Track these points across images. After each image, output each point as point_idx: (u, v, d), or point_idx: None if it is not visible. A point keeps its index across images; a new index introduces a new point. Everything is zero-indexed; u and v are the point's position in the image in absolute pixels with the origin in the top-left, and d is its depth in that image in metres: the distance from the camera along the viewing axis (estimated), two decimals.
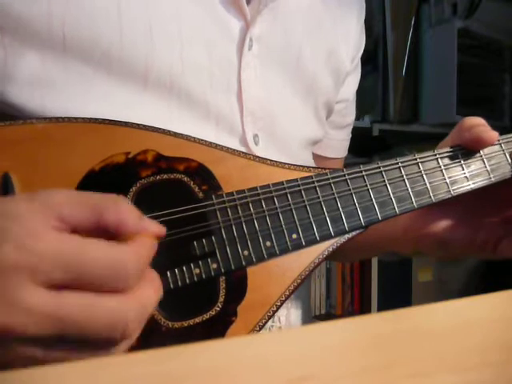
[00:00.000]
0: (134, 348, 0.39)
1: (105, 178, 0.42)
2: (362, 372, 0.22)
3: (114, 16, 0.46)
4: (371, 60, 1.58)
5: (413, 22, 1.59)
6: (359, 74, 0.73)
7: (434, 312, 0.28)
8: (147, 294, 0.31)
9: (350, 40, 0.67)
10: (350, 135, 0.78)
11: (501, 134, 0.53)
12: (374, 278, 1.60)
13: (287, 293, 0.44)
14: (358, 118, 1.55)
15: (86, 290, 0.29)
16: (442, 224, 0.53)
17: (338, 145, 0.75)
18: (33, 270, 0.28)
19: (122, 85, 0.47)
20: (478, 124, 0.50)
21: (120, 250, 0.30)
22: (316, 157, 0.70)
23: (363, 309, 1.66)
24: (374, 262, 1.60)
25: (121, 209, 0.31)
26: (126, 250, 0.30)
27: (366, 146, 1.53)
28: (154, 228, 0.33)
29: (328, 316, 1.64)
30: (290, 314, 0.62)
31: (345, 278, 1.66)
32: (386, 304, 1.60)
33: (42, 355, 0.29)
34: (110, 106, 0.46)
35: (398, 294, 1.64)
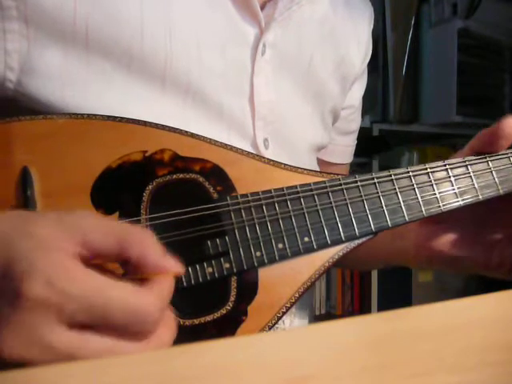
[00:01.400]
0: None
1: (122, 175, 0.42)
2: (362, 372, 0.22)
3: (136, 17, 0.47)
4: (371, 60, 1.58)
5: (413, 22, 1.59)
6: (366, 80, 0.74)
7: (433, 312, 0.28)
8: (165, 337, 0.32)
9: (361, 46, 0.68)
10: (356, 141, 0.78)
11: None
12: (373, 278, 1.60)
13: (297, 295, 0.45)
14: None
15: (107, 331, 0.30)
16: (454, 242, 0.53)
17: (343, 150, 0.76)
18: (59, 309, 0.29)
19: (140, 82, 0.48)
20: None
21: (143, 296, 0.30)
22: (321, 162, 0.71)
23: (363, 309, 1.66)
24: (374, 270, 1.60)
25: (145, 245, 0.32)
26: (148, 296, 0.31)
27: (366, 146, 1.54)
28: (174, 268, 0.33)
29: (328, 316, 1.64)
30: (294, 315, 0.62)
31: (345, 278, 1.67)
32: (386, 304, 1.60)
33: None
34: (127, 102, 0.47)
35: (398, 294, 1.65)
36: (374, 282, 1.60)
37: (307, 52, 0.59)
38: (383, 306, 1.60)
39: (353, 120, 0.75)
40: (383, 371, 0.22)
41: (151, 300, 0.31)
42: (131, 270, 0.32)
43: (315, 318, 1.60)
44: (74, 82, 0.46)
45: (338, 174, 0.48)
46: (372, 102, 1.58)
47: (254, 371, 0.22)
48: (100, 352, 0.29)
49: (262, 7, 0.55)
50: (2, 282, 0.29)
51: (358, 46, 0.67)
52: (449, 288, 1.72)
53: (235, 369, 0.22)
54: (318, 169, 0.66)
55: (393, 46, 1.57)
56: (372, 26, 0.71)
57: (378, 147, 1.61)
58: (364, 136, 1.57)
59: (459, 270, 0.55)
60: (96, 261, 0.31)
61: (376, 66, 1.59)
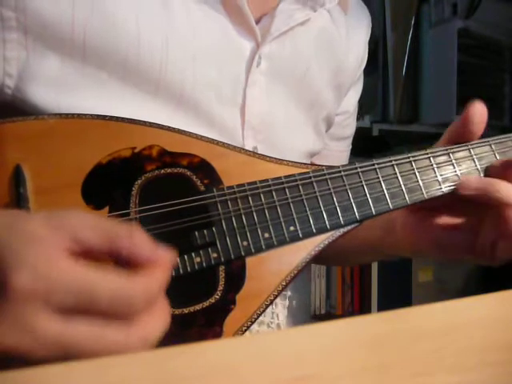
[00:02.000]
0: None
1: (112, 171, 0.44)
2: (362, 372, 0.22)
3: (133, 27, 0.48)
4: (371, 60, 1.57)
5: (413, 22, 1.59)
6: (361, 87, 0.75)
7: (433, 312, 0.28)
8: (152, 326, 0.32)
9: (358, 55, 0.68)
10: (350, 146, 0.78)
11: (501, 134, 0.53)
12: (373, 278, 1.60)
13: (284, 283, 0.46)
14: (357, 118, 1.56)
15: (94, 316, 0.30)
16: (441, 228, 0.53)
17: (337, 156, 0.76)
18: (46, 297, 0.29)
19: (134, 90, 0.49)
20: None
21: (129, 282, 0.31)
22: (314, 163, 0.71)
23: (363, 309, 1.66)
24: (374, 262, 1.60)
25: (134, 238, 0.32)
26: (134, 282, 0.31)
27: (366, 146, 1.54)
28: (166, 258, 0.33)
29: (328, 316, 1.64)
30: (289, 310, 0.62)
31: (345, 278, 1.67)
32: (386, 304, 1.60)
33: None
34: (121, 108, 0.48)
35: (398, 294, 1.64)
36: (374, 282, 1.60)
37: (303, 63, 0.60)
38: (383, 306, 1.60)
39: (347, 125, 0.75)
40: (383, 371, 0.22)
41: (138, 285, 0.31)
42: (124, 266, 0.32)
43: (315, 318, 1.60)
44: (70, 89, 0.47)
45: (322, 166, 0.49)
46: (372, 101, 1.58)
47: (254, 371, 0.22)
48: (89, 337, 0.30)
49: (258, 20, 0.55)
50: None
51: (355, 58, 0.67)
52: (449, 288, 1.72)
53: (235, 369, 0.22)
54: None
55: (393, 46, 1.57)
56: (369, 35, 0.72)
57: (377, 147, 1.61)
58: (364, 136, 1.58)
59: (445, 257, 0.55)
60: (86, 257, 0.32)
61: (376, 66, 1.59)
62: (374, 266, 1.60)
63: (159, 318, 0.33)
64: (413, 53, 1.60)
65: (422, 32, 1.61)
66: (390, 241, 0.58)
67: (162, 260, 0.33)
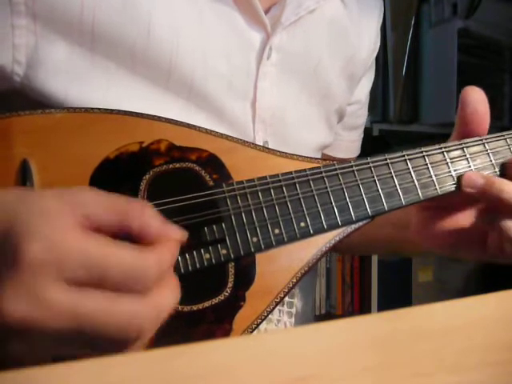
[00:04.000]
0: None
1: (119, 166, 0.43)
2: (362, 372, 0.22)
3: (143, 18, 0.47)
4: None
5: (413, 22, 1.59)
6: (373, 74, 0.74)
7: (433, 312, 0.28)
8: (165, 298, 0.32)
9: (370, 42, 0.68)
10: (362, 135, 0.78)
11: None
12: (373, 278, 1.60)
13: (294, 280, 0.45)
14: None
15: (107, 289, 0.30)
16: (451, 227, 0.52)
17: (349, 145, 0.76)
18: (58, 268, 0.29)
19: (143, 81, 0.49)
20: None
21: (142, 254, 0.31)
22: (326, 158, 0.71)
23: (363, 309, 1.66)
24: (374, 262, 1.60)
25: (145, 214, 0.32)
26: (147, 255, 0.31)
27: (366, 146, 1.53)
28: (176, 234, 0.34)
29: (328, 316, 1.64)
30: (297, 308, 0.62)
31: (345, 278, 1.66)
32: (386, 304, 1.60)
33: (59, 350, 0.30)
34: (130, 99, 0.48)
35: (398, 294, 1.64)
36: (374, 282, 1.60)
37: (315, 54, 0.59)
38: (383, 306, 1.60)
39: (360, 115, 0.75)
40: (383, 371, 0.22)
41: (149, 259, 0.31)
42: (134, 242, 0.32)
43: (315, 318, 1.60)
44: (78, 78, 0.47)
45: (333, 160, 0.48)
46: (372, 101, 1.58)
47: (253, 371, 0.22)
48: (103, 308, 0.30)
49: (268, 10, 0.55)
50: (3, 246, 0.29)
51: (367, 42, 0.67)
52: (449, 288, 1.72)
53: (235, 369, 0.22)
54: None
55: (393, 46, 1.57)
56: (381, 21, 0.71)
57: (378, 147, 1.61)
58: (364, 136, 1.58)
59: (458, 256, 0.55)
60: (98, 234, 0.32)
61: (376, 66, 1.58)
62: (374, 266, 1.60)
63: (171, 291, 0.33)
64: (413, 53, 1.60)
65: (422, 32, 1.61)
66: (402, 238, 0.58)
67: (172, 236, 0.33)
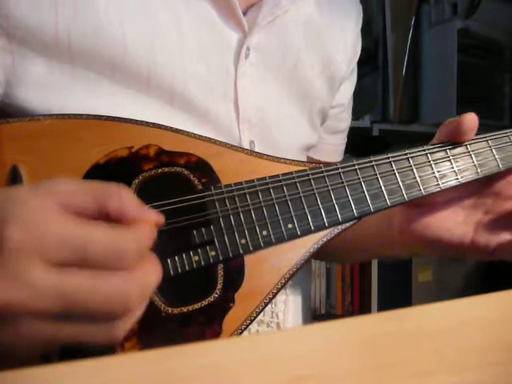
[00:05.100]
0: (134, 332, 0.41)
1: (109, 171, 0.44)
2: (362, 372, 0.22)
3: (117, 29, 0.48)
4: (371, 60, 1.58)
5: (413, 22, 1.59)
6: (355, 79, 0.74)
7: (434, 312, 0.28)
8: (147, 274, 0.33)
9: (348, 46, 0.67)
10: (346, 140, 0.78)
11: None
12: (373, 278, 1.60)
13: (283, 281, 0.46)
14: (357, 117, 1.56)
15: (90, 268, 0.31)
16: (437, 224, 0.53)
17: (332, 149, 0.76)
18: (39, 249, 0.30)
19: (125, 89, 0.49)
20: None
21: (121, 233, 0.32)
22: (313, 161, 0.71)
23: (363, 309, 1.66)
24: (374, 261, 1.60)
25: (122, 197, 0.33)
26: (126, 233, 0.32)
27: (366, 146, 1.54)
28: (154, 216, 0.34)
29: (328, 316, 1.64)
30: (289, 310, 0.62)
31: (345, 278, 1.67)
32: (386, 304, 1.60)
33: (50, 333, 0.31)
34: (112, 106, 0.48)
35: (398, 294, 1.64)
36: (374, 282, 1.60)
37: (293, 54, 0.60)
38: (383, 306, 1.60)
39: (342, 119, 0.75)
40: (383, 371, 0.22)
41: (128, 237, 0.32)
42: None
43: (315, 318, 1.60)
44: (59, 90, 0.47)
45: (320, 163, 0.49)
46: (372, 101, 1.58)
47: (253, 371, 0.22)
48: (88, 285, 0.30)
49: (245, 12, 0.55)
50: None
51: (344, 49, 0.67)
52: (449, 288, 1.72)
53: (235, 369, 0.22)
54: None
55: (393, 46, 1.57)
56: (360, 25, 0.70)
57: (377, 147, 1.61)
58: (364, 136, 1.58)
59: (442, 254, 0.55)
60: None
61: (376, 66, 1.59)
62: (374, 266, 1.60)
63: (153, 268, 0.33)
64: (413, 53, 1.60)
65: (421, 32, 1.61)
66: (386, 240, 0.58)
67: (150, 217, 0.34)
